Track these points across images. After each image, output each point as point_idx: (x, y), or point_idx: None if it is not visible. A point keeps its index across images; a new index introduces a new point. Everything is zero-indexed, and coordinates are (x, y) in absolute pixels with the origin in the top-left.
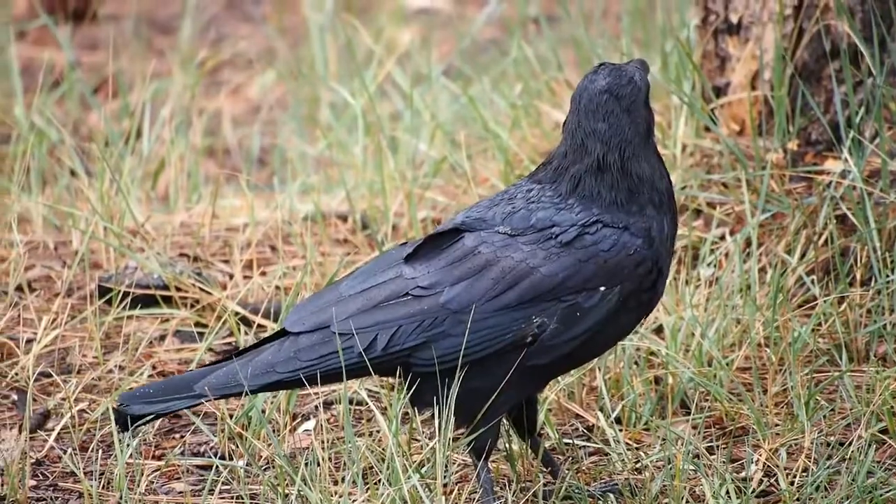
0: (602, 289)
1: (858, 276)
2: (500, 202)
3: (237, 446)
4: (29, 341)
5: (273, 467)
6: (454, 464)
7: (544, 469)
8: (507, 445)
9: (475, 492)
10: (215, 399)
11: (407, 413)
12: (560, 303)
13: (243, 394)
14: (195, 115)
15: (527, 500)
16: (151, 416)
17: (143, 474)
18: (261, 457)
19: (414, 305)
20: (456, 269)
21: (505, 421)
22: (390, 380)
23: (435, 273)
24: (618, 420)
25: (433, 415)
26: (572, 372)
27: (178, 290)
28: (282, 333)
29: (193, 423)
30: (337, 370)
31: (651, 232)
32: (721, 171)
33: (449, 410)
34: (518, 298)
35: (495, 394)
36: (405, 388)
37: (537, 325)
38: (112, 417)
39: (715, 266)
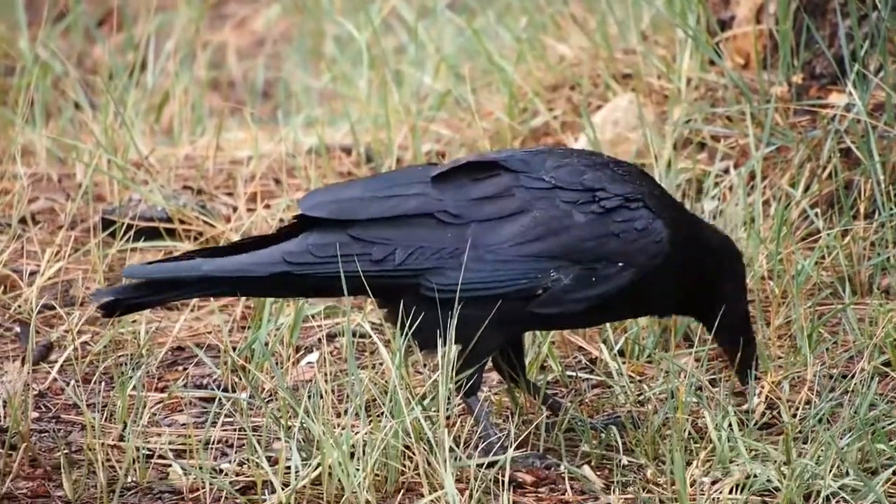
0: (620, 264)
1: (862, 210)
2: (552, 153)
3: (240, 379)
4: (32, 274)
5: (276, 400)
6: (456, 396)
7: (545, 407)
8: (510, 375)
9: (477, 425)
10: (217, 281)
11: (410, 346)
12: (579, 265)
13: (249, 282)
14: (199, 48)
15: (529, 432)
16: (149, 298)
17: (145, 406)
18: (264, 389)
19: (438, 230)
20: (487, 206)
21: (495, 359)
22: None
23: (465, 203)
24: (621, 353)
25: (423, 346)
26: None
27: (182, 222)
28: (277, 238)
29: (196, 356)
30: (346, 273)
31: (675, 240)
32: (725, 104)
33: (450, 341)
34: (543, 252)
35: (489, 332)
36: (401, 319)
37: (553, 279)
38: (98, 297)
39: (719, 199)
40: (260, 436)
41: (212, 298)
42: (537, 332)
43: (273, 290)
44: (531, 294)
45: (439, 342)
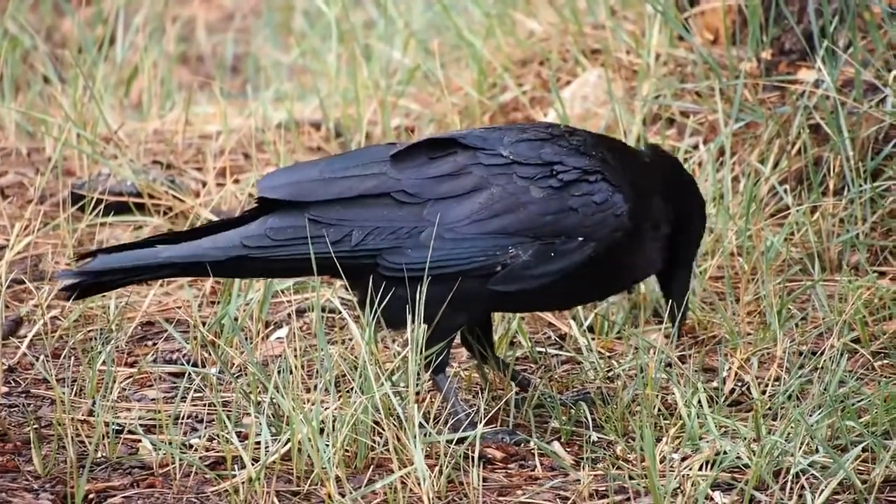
0: (580, 239)
1: (831, 186)
2: (511, 129)
3: (210, 354)
4: (1, 248)
5: (245, 375)
6: (426, 372)
7: (514, 384)
8: (480, 353)
9: (446, 402)
10: (181, 267)
11: (379, 322)
12: (538, 240)
13: (208, 266)
14: (168, 22)
15: (499, 408)
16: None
17: (115, 381)
18: (233, 364)
19: (395, 210)
20: (444, 184)
21: (464, 337)
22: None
23: (421, 182)
24: (590, 329)
25: (389, 324)
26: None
27: (151, 197)
28: (240, 221)
29: (166, 331)
30: (304, 255)
31: (636, 214)
32: (694, 80)
33: (419, 318)
34: (501, 228)
35: (452, 310)
36: (369, 297)
37: (511, 255)
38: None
39: None
40: (230, 411)
41: None
42: None
43: (236, 273)
44: (490, 271)
45: (408, 319)
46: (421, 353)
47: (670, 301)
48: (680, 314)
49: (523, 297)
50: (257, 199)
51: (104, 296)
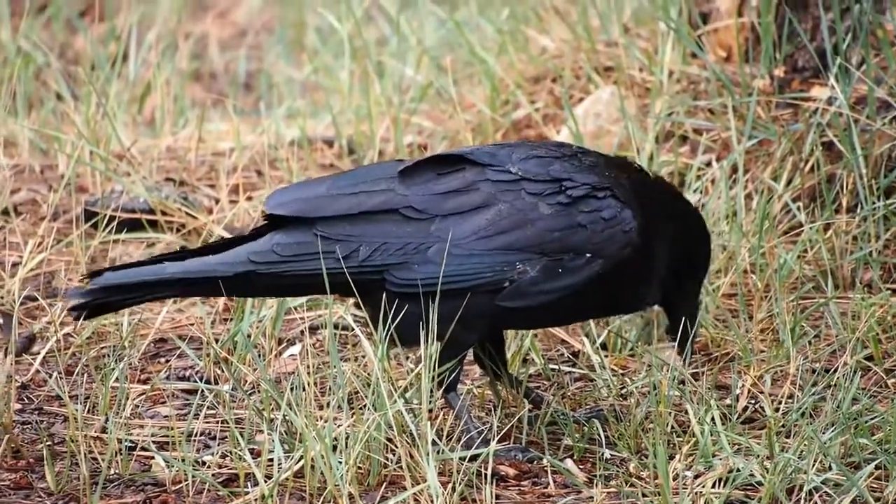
0: (588, 255)
1: (844, 203)
2: (519, 146)
3: (223, 371)
4: (15, 265)
5: (258, 392)
6: (439, 390)
7: (527, 401)
8: (492, 370)
9: (458, 420)
10: (189, 284)
11: (392, 338)
12: (546, 257)
13: (216, 282)
14: (181, 39)
15: (512, 425)
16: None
17: (128, 398)
18: (246, 381)
19: (403, 226)
20: (451, 200)
21: (477, 354)
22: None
23: (429, 198)
24: (603, 346)
25: (402, 341)
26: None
27: (164, 214)
28: (246, 239)
29: (179, 348)
30: (312, 271)
31: (646, 231)
32: (708, 97)
33: (432, 335)
34: (508, 244)
35: (462, 327)
36: (383, 313)
37: (519, 271)
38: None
39: (701, 192)
40: (242, 428)
41: None
42: None
43: (245, 290)
44: (498, 287)
45: (419, 335)
46: (434, 370)
47: (679, 328)
48: (689, 343)
49: (532, 313)
50: (265, 216)
51: (117, 313)
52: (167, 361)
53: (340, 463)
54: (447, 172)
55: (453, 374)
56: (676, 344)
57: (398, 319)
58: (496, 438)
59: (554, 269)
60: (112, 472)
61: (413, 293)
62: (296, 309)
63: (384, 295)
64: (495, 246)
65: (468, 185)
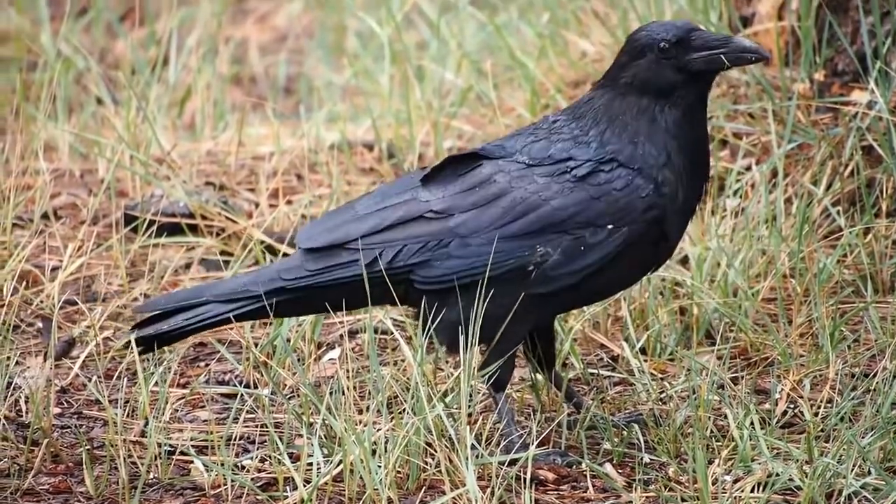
0: (609, 227)
1: (884, 207)
2: (524, 133)
3: (262, 375)
4: (54, 269)
5: (298, 396)
6: (478, 393)
7: (568, 403)
8: (532, 375)
9: (499, 422)
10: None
11: (432, 342)
12: (566, 235)
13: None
14: (222, 43)
15: (551, 429)
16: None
17: (167, 402)
18: (285, 385)
19: (423, 227)
20: (470, 196)
21: (522, 352)
22: (411, 309)
23: (449, 198)
24: (643, 350)
25: (446, 344)
26: (598, 302)
27: (204, 218)
28: None
29: (218, 352)
30: (341, 280)
31: (661, 186)
32: (747, 101)
33: (474, 336)
34: (525, 228)
35: (504, 323)
36: (421, 316)
37: (540, 254)
38: (134, 345)
39: (741, 196)
40: (282, 432)
41: None
42: (560, 329)
43: (281, 309)
44: (523, 273)
45: (461, 336)
46: (476, 372)
47: None
48: None
49: (566, 296)
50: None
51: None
52: (206, 365)
53: (379, 467)
54: (466, 171)
55: (503, 372)
56: None
57: (436, 323)
58: (535, 443)
59: (576, 248)
60: (151, 476)
61: (443, 291)
62: (334, 314)
63: (433, 297)
64: (513, 232)
65: (486, 179)
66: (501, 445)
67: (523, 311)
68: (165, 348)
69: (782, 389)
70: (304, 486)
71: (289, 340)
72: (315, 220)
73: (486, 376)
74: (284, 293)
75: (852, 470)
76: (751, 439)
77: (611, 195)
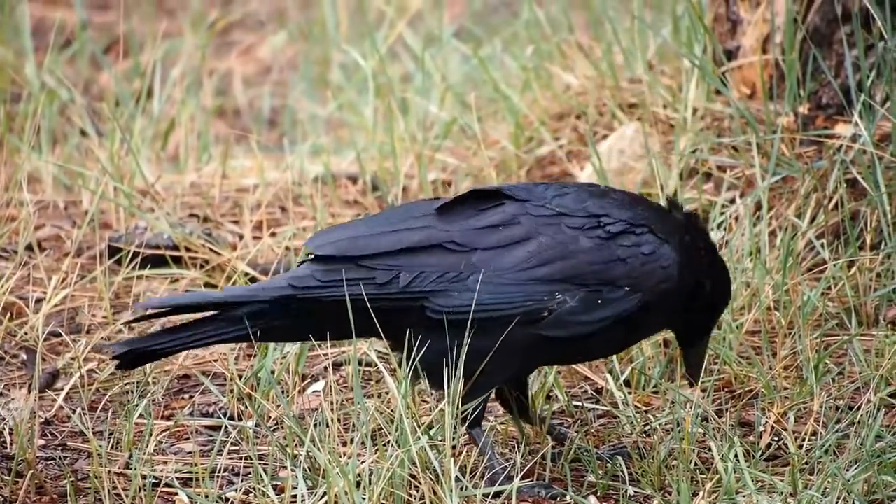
0: (626, 289)
1: (868, 240)
2: (550, 185)
3: (246, 407)
4: (38, 301)
5: (282, 428)
6: (463, 426)
7: (550, 437)
8: (518, 408)
9: (482, 456)
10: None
11: (417, 375)
12: (585, 288)
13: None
14: (206, 76)
15: (535, 462)
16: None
17: (151, 434)
18: (270, 417)
19: (443, 257)
20: (493, 234)
21: (500, 392)
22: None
23: (472, 233)
24: (627, 383)
25: (430, 377)
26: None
27: (188, 250)
28: None
29: (202, 384)
30: (352, 297)
31: (681, 267)
32: (731, 134)
33: (458, 369)
34: (548, 275)
35: (495, 361)
36: (407, 348)
37: (558, 301)
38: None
39: (725, 229)
40: (266, 464)
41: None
42: None
43: (282, 319)
44: (537, 317)
45: (448, 368)
46: (457, 407)
47: (691, 359)
48: (698, 370)
49: (568, 345)
50: (307, 256)
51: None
52: (191, 397)
53: (364, 499)
54: (487, 208)
55: (478, 410)
56: (686, 367)
57: (436, 354)
58: (520, 475)
59: (593, 300)
60: None
61: (452, 320)
62: (319, 345)
63: (420, 329)
64: (536, 276)
65: (509, 219)
66: (485, 478)
67: (518, 353)
68: (149, 374)
69: (766, 422)
70: None
71: (273, 372)
72: (323, 230)
73: (464, 414)
74: (292, 303)
75: (837, 503)
76: (735, 472)
77: (637, 258)
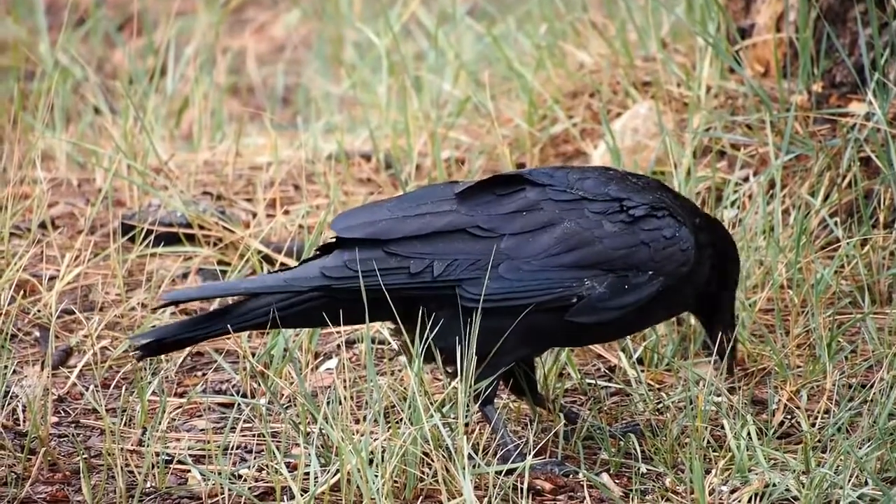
0: (650, 273)
1: (881, 219)
2: (571, 168)
3: (259, 384)
4: (52, 278)
5: (295, 405)
6: (476, 403)
7: (561, 416)
8: (527, 389)
9: (495, 433)
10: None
11: (431, 353)
12: (612, 273)
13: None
14: (219, 54)
15: (548, 439)
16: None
17: (164, 412)
18: (283, 395)
19: (473, 243)
20: (517, 220)
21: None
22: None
23: (496, 218)
24: (640, 361)
25: (445, 356)
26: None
27: (202, 228)
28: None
29: (215, 361)
30: (388, 286)
31: (698, 248)
32: (745, 112)
33: (471, 349)
34: (576, 262)
35: (509, 341)
36: (427, 328)
37: (587, 287)
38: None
39: (738, 207)
40: (279, 441)
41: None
42: None
43: (312, 310)
44: (566, 303)
45: (458, 350)
46: (470, 384)
47: (718, 335)
48: (728, 354)
49: (596, 329)
50: (324, 245)
51: (154, 326)
52: (203, 375)
53: (377, 477)
54: (508, 193)
55: (491, 388)
56: (715, 353)
57: (451, 336)
58: (532, 452)
59: (620, 285)
60: (148, 485)
61: (486, 307)
62: None
63: (443, 312)
64: (564, 262)
65: (531, 204)
66: (498, 455)
67: (542, 335)
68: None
69: (779, 400)
70: (302, 495)
71: (286, 350)
72: (346, 211)
73: (476, 392)
74: (324, 290)
75: (849, 480)
76: (748, 450)
77: (659, 242)
